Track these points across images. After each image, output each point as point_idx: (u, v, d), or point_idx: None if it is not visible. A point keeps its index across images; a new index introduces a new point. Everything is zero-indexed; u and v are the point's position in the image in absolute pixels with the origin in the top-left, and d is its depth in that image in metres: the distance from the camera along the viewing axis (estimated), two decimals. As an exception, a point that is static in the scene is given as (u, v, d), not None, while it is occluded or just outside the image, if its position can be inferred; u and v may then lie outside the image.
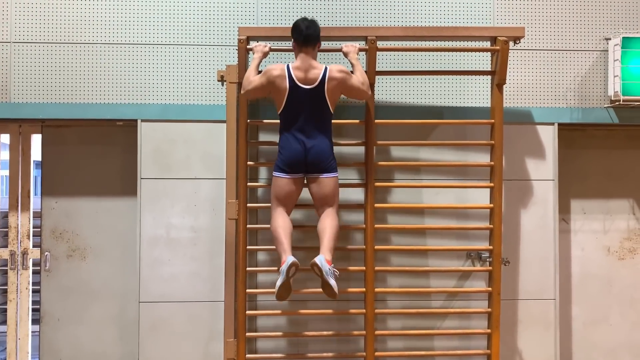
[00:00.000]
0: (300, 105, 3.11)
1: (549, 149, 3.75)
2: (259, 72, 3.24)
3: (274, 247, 3.13)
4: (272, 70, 3.13)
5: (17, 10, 3.61)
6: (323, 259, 2.95)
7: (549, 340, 3.72)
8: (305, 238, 3.55)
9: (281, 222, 3.10)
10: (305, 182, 3.20)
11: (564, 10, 3.80)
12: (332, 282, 2.93)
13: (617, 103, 3.70)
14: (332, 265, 2.98)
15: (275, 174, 3.15)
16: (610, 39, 3.78)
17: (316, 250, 3.08)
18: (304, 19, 3.17)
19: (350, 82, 3.17)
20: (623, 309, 4.01)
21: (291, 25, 3.65)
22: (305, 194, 3.24)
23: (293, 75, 3.09)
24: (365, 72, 3.35)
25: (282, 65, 3.14)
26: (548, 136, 3.75)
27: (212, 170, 3.63)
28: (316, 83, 3.10)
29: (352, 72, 3.25)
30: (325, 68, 3.13)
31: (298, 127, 3.11)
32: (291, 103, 3.11)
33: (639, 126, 3.89)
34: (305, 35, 3.12)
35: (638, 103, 3.67)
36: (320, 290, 3.04)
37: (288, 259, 2.95)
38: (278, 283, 2.95)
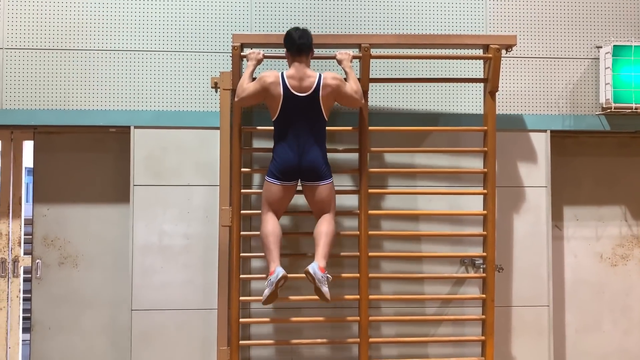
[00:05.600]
0: (295, 113, 3.12)
1: (541, 156, 3.77)
2: (253, 79, 3.24)
3: (263, 253, 3.15)
4: (266, 77, 3.13)
5: (9, 16, 3.60)
6: (316, 267, 2.99)
7: (542, 347, 3.72)
8: (295, 245, 3.54)
9: (271, 229, 3.12)
10: (300, 189, 3.21)
11: (555, 19, 3.84)
12: (325, 289, 2.99)
13: (609, 110, 3.73)
14: (326, 272, 3.01)
15: (268, 179, 3.16)
16: (601, 47, 3.81)
17: (307, 258, 3.06)
18: (296, 29, 3.18)
19: (344, 89, 3.18)
20: (615, 315, 4.02)
21: (285, 33, 3.67)
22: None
23: (287, 84, 3.10)
24: (359, 79, 3.37)
25: (276, 72, 3.14)
26: (540, 143, 3.77)
27: (206, 177, 3.61)
28: (310, 91, 3.11)
29: (345, 79, 3.26)
30: (320, 75, 3.14)
31: (292, 135, 3.12)
32: (285, 111, 3.12)
33: (630, 133, 3.93)
34: (298, 45, 3.13)
35: (629, 110, 3.70)
36: (314, 297, 3.10)
37: (277, 270, 3.00)
38: (266, 293, 3.01)
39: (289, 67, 3.19)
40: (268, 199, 3.17)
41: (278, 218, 3.20)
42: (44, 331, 3.72)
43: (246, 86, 3.17)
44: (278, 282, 2.98)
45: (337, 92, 3.17)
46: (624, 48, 3.70)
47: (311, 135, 3.13)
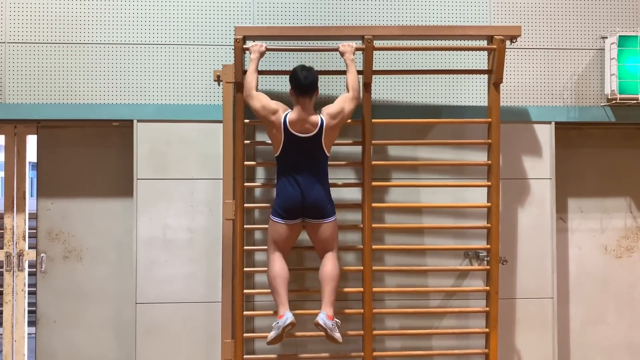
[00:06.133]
0: (297, 152, 3.12)
1: (545, 148, 3.75)
2: (259, 72, 3.25)
3: (272, 297, 3.18)
4: (269, 114, 3.11)
5: (11, 10, 3.59)
6: (325, 317, 3.02)
7: (546, 339, 3.71)
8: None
9: (278, 271, 3.12)
10: (303, 226, 3.20)
11: (560, 9, 3.80)
12: (337, 335, 3.04)
13: (614, 101, 3.70)
14: (334, 319, 3.06)
15: (273, 218, 3.16)
16: (606, 37, 3.78)
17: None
18: (303, 68, 3.15)
19: (346, 115, 3.17)
20: (620, 308, 4.01)
21: (288, 25, 3.66)
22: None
23: (289, 128, 3.09)
24: (362, 71, 3.35)
25: (280, 111, 3.11)
26: (545, 135, 3.75)
27: (209, 171, 3.61)
28: (313, 133, 3.10)
29: (345, 72, 3.25)
30: (322, 119, 3.12)
31: (295, 173, 3.11)
32: (287, 150, 3.12)
33: (635, 124, 3.90)
34: (303, 86, 3.10)
35: (634, 101, 3.67)
36: (317, 291, 3.11)
37: (286, 315, 3.01)
38: (272, 335, 3.02)
39: (293, 104, 3.16)
40: (274, 238, 3.16)
41: (285, 256, 3.19)
42: (50, 324, 3.74)
43: (253, 94, 3.15)
44: (286, 327, 2.99)
45: (341, 124, 3.18)
46: (630, 38, 3.66)
47: (314, 173, 3.13)
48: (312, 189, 3.11)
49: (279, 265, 3.14)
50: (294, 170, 3.12)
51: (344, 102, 3.18)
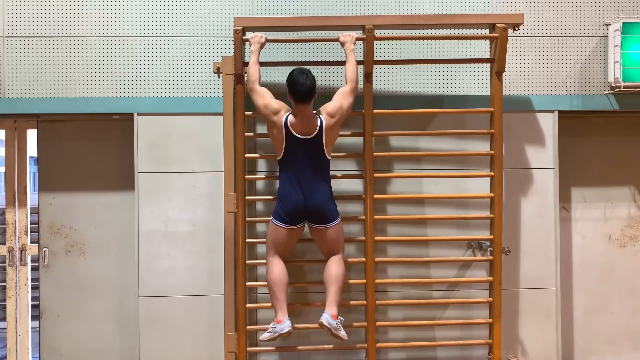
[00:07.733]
0: (298, 153, 3.11)
1: (549, 137, 3.72)
2: (260, 63, 3.23)
3: (270, 302, 3.19)
4: (271, 114, 3.10)
5: (9, 4, 3.56)
6: (329, 317, 3.02)
7: (550, 329, 3.71)
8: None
9: (277, 276, 3.12)
10: (307, 229, 3.20)
11: (563, -4, 3.77)
12: (342, 333, 3.06)
13: (618, 89, 3.67)
14: (338, 317, 3.07)
15: (275, 221, 3.14)
16: (610, 24, 3.74)
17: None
18: (301, 71, 3.10)
19: (345, 110, 3.14)
20: (624, 297, 4.00)
21: (287, 16, 3.63)
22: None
23: (290, 129, 3.09)
24: (363, 62, 3.32)
25: (282, 112, 3.09)
26: (548, 124, 3.72)
27: (210, 163, 3.60)
28: (314, 134, 3.09)
29: (345, 62, 3.23)
30: (321, 120, 3.11)
31: (297, 176, 3.11)
32: (289, 151, 3.12)
33: (639, 113, 3.86)
34: (301, 93, 3.07)
35: (639, 89, 3.63)
36: (320, 282, 3.11)
37: (285, 323, 3.03)
38: (266, 336, 3.05)
39: (293, 108, 3.13)
40: (275, 242, 3.15)
41: (285, 258, 3.19)
42: (53, 318, 3.75)
43: (258, 89, 3.13)
44: (282, 334, 3.02)
45: (340, 121, 3.17)
46: (634, 25, 3.62)
47: (315, 175, 3.11)
48: (315, 193, 3.10)
49: (278, 270, 3.14)
50: (296, 174, 3.11)
51: (342, 98, 3.16)
